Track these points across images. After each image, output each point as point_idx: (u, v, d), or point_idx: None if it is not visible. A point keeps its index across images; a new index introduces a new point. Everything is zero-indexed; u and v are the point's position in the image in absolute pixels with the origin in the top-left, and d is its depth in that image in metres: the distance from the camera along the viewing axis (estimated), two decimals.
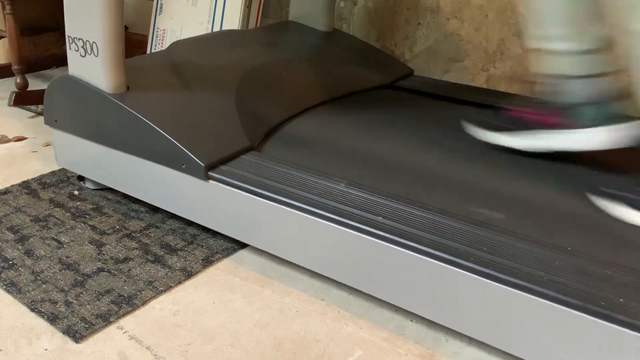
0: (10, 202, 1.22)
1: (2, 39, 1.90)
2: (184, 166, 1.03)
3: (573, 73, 0.98)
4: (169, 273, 1.02)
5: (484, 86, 1.65)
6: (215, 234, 1.13)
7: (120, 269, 1.02)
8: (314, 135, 1.21)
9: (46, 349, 0.85)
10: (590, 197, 0.99)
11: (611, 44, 0.96)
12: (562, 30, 0.97)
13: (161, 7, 1.88)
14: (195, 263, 1.05)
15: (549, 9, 0.97)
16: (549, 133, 1.01)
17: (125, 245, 1.09)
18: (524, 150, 1.04)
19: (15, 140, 1.54)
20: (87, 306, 0.93)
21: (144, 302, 0.95)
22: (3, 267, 1.02)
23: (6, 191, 1.27)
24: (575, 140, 0.99)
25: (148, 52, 1.92)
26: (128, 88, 1.13)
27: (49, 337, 0.87)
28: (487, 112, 1.11)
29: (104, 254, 1.06)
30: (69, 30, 1.12)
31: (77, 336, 0.87)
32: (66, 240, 1.10)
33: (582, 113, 0.98)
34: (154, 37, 1.90)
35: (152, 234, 1.13)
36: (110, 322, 0.90)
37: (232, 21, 1.75)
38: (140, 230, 1.14)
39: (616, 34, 0.94)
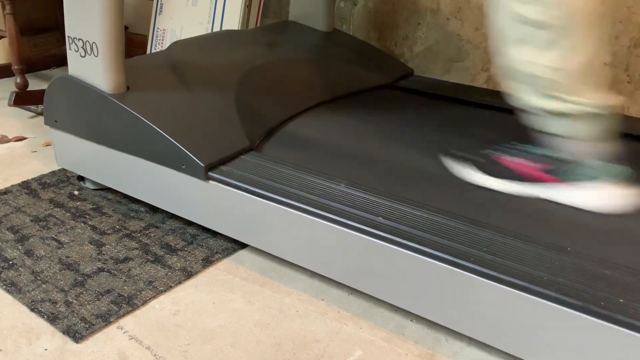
0: (10, 202, 1.22)
1: (2, 39, 1.90)
2: (184, 166, 1.03)
3: (569, 134, 0.94)
4: (169, 273, 1.02)
5: (484, 86, 1.65)
6: (215, 234, 1.13)
7: (120, 269, 1.02)
8: (314, 135, 1.21)
9: (46, 349, 0.85)
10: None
11: (605, 111, 0.92)
12: (564, 91, 0.90)
13: (161, 7, 1.88)
14: (195, 263, 1.05)
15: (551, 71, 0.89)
16: (536, 185, 0.99)
17: (125, 245, 1.09)
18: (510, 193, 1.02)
19: (15, 140, 1.54)
20: (87, 306, 0.93)
21: (144, 302, 0.95)
22: (3, 267, 1.02)
23: (6, 191, 1.27)
24: (563, 195, 0.97)
25: (148, 52, 1.92)
26: (128, 88, 1.13)
27: (49, 337, 0.87)
28: (471, 150, 1.09)
29: (104, 254, 1.06)
30: (69, 30, 1.12)
31: (77, 336, 0.87)
32: (66, 240, 1.10)
33: (572, 171, 0.96)
34: (154, 37, 1.90)
35: (152, 234, 1.13)
36: (110, 322, 0.90)
37: (232, 21, 1.75)
38: (140, 230, 1.14)
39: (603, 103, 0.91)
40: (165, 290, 0.98)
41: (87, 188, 1.29)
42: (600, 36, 0.90)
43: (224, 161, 1.05)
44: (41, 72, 2.06)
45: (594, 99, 0.90)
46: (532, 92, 0.93)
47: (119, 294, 0.96)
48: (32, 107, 1.72)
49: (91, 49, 1.09)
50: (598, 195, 0.95)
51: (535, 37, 0.89)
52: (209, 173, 1.01)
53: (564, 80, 0.90)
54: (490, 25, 0.96)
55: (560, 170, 0.97)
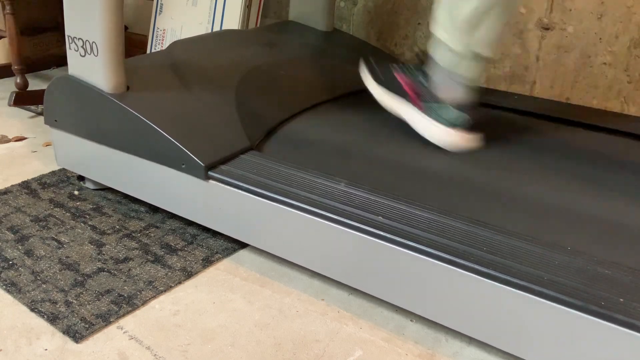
0: (10, 202, 1.22)
1: (2, 39, 1.90)
2: (184, 166, 1.03)
3: (447, 67, 1.11)
4: (169, 273, 1.02)
5: (484, 86, 1.65)
6: (215, 234, 1.13)
7: (120, 269, 1.02)
8: (314, 135, 1.21)
9: (46, 349, 0.85)
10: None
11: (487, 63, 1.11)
12: (457, 26, 1.08)
13: (161, 7, 1.88)
14: (195, 263, 1.05)
15: (454, 5, 1.09)
16: (410, 107, 1.18)
17: (125, 245, 1.09)
18: (385, 107, 1.23)
19: (15, 140, 1.54)
20: (87, 306, 0.93)
21: (144, 302, 0.95)
22: (3, 267, 1.02)
23: (6, 191, 1.27)
24: (422, 127, 1.16)
25: (148, 52, 1.92)
26: (128, 88, 1.13)
27: (49, 337, 0.87)
28: (385, 65, 1.25)
29: (104, 254, 1.06)
30: (68, 30, 1.12)
31: (77, 336, 0.87)
32: (66, 240, 1.10)
33: (437, 108, 1.13)
34: (154, 37, 1.90)
35: (152, 234, 1.13)
36: (110, 322, 0.90)
37: (232, 21, 1.75)
38: (140, 230, 1.14)
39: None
40: (165, 290, 0.98)
41: (87, 188, 1.29)
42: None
43: (224, 161, 1.05)
44: (41, 72, 2.06)
45: (485, 47, 1.10)
46: (451, 30, 1.11)
47: (119, 294, 0.96)
48: (32, 107, 1.72)
49: (91, 48, 1.09)
50: (443, 133, 1.14)
51: None
52: (209, 172, 1.01)
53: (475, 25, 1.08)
54: None
55: (427, 100, 1.14)
